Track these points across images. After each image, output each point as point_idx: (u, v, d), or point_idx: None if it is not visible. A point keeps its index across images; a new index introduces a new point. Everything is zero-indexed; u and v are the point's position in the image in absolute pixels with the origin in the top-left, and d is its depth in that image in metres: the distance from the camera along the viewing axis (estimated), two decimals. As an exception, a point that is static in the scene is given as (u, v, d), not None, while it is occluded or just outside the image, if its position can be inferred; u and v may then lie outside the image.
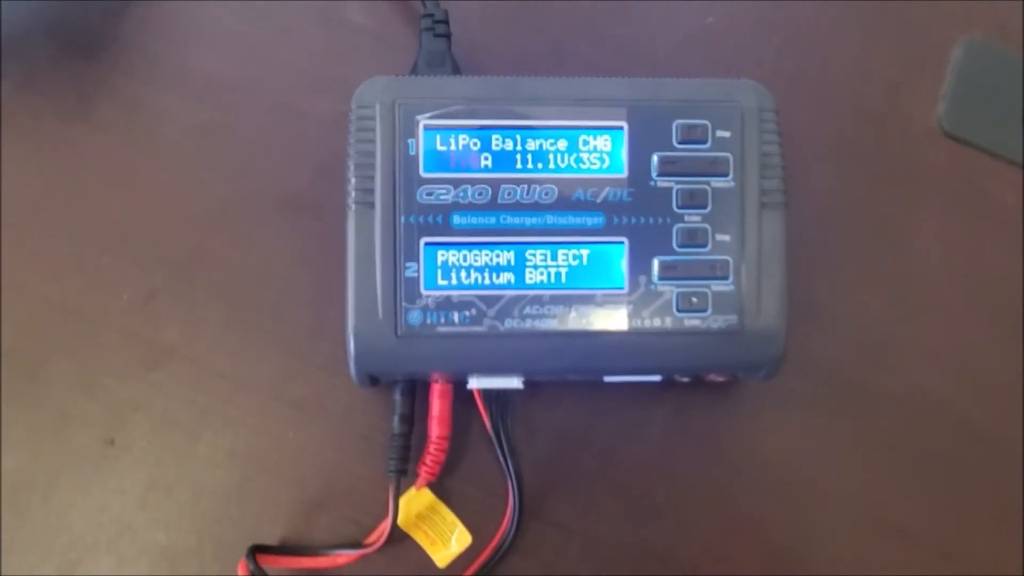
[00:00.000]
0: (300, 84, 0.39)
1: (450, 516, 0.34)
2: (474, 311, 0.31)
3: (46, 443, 0.35)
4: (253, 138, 0.38)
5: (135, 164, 0.38)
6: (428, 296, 0.31)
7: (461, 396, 0.34)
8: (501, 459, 0.34)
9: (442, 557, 0.34)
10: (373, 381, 0.33)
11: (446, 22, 0.36)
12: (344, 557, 0.33)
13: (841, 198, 0.39)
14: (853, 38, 0.41)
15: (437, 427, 0.34)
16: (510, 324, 0.31)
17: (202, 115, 0.38)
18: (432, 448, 0.34)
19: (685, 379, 0.35)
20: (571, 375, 0.34)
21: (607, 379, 0.35)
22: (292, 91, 0.39)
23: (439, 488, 0.35)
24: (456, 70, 0.35)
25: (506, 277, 0.31)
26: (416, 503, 0.34)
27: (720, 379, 0.35)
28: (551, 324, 0.31)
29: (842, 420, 0.37)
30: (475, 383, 0.33)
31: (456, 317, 0.31)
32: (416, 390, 0.34)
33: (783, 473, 0.36)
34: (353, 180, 0.31)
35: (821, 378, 0.37)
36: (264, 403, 0.35)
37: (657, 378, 0.35)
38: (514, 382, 0.33)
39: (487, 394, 0.35)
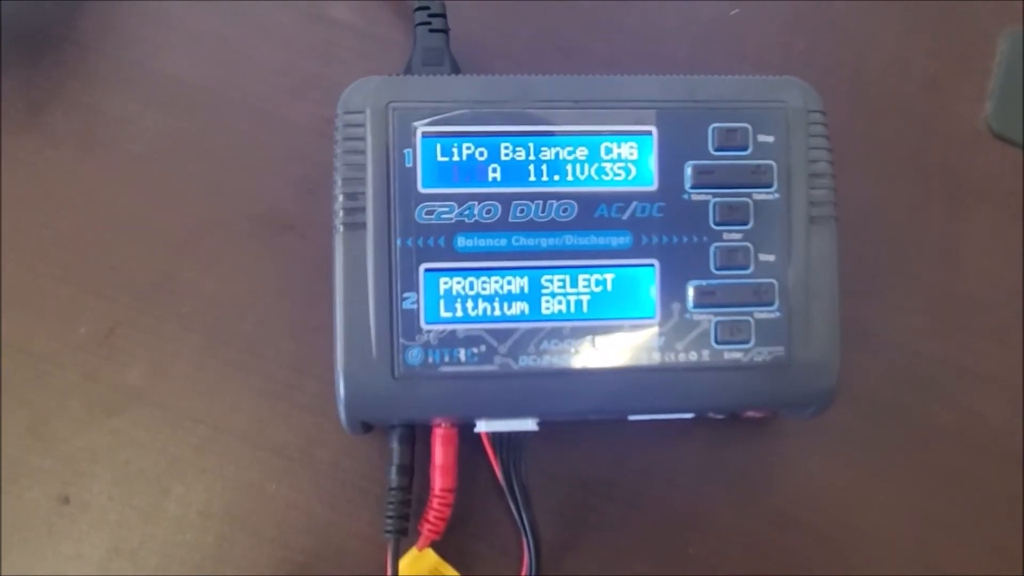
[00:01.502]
0: (279, 88, 0.34)
1: (457, 578, 0.30)
2: (483, 347, 0.27)
3: (-9, 503, 0.30)
4: (227, 149, 0.34)
5: (93, 181, 0.33)
6: (429, 331, 0.27)
7: (467, 440, 0.30)
8: (514, 511, 0.30)
9: (449, 627, 0.30)
10: (366, 428, 0.29)
11: (443, 15, 0.32)
12: (337, 630, 0.29)
13: (880, 208, 0.35)
14: (889, 31, 0.37)
15: (441, 478, 0.29)
16: (525, 362, 0.27)
17: (169, 124, 0.34)
18: (435, 503, 0.29)
19: (719, 415, 0.31)
20: (594, 416, 0.30)
21: (632, 417, 0.31)
22: (270, 96, 0.34)
23: (444, 547, 0.30)
24: (456, 70, 0.31)
25: (519, 307, 0.27)
26: (418, 565, 0.30)
27: (759, 415, 0.31)
28: (572, 361, 0.27)
29: (893, 456, 0.33)
30: (484, 426, 0.29)
31: (462, 355, 0.27)
32: (416, 436, 0.30)
33: (828, 519, 0.32)
34: (341, 198, 0.27)
35: (868, 410, 0.33)
36: (242, 451, 0.31)
37: (689, 415, 0.31)
38: (528, 424, 0.29)
39: (497, 438, 0.30)
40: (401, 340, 0.27)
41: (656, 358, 0.27)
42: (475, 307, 0.27)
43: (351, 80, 0.28)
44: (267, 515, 0.31)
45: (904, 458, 0.33)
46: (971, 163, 0.36)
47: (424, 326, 0.27)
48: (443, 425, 0.30)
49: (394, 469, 0.29)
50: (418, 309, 0.27)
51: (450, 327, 0.27)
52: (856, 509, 0.32)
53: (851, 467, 0.33)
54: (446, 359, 0.27)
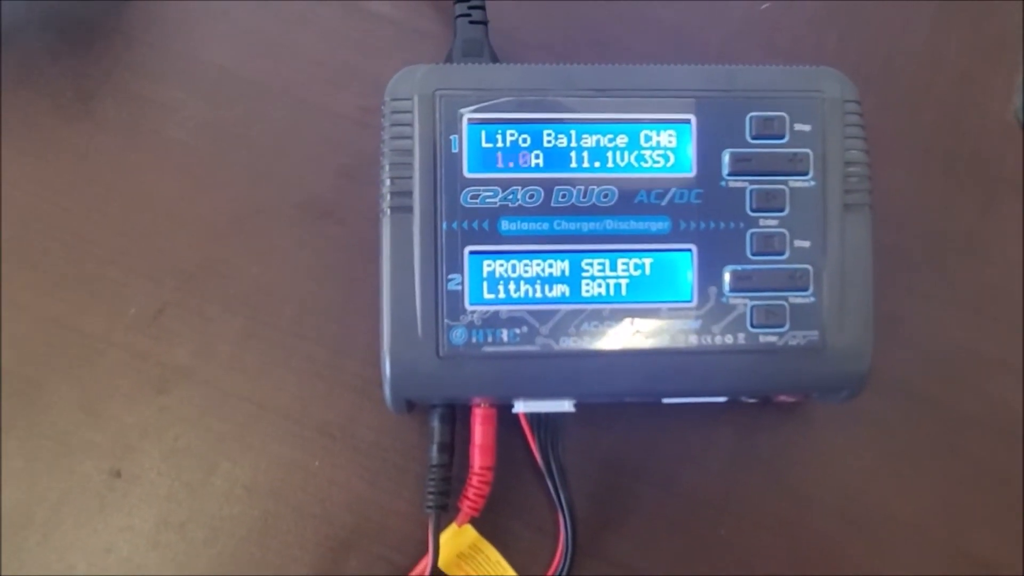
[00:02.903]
0: (319, 79, 0.35)
1: (495, 555, 0.31)
2: (525, 328, 0.28)
3: (46, 475, 0.31)
4: (269, 138, 0.35)
5: (141, 167, 0.34)
6: (473, 312, 0.27)
7: (506, 421, 0.31)
8: (552, 490, 0.31)
9: (487, 601, 0.31)
10: (410, 406, 0.29)
11: (483, 7, 0.33)
12: (378, 602, 0.30)
13: (912, 199, 0.36)
14: (921, 24, 0.38)
15: (480, 456, 0.30)
16: (565, 343, 0.28)
17: (213, 113, 0.35)
18: (475, 480, 0.30)
19: (752, 399, 0.32)
20: (631, 398, 0.30)
21: (666, 400, 0.31)
22: (311, 86, 0.35)
23: (483, 524, 0.31)
24: (495, 61, 0.32)
25: (560, 290, 0.28)
26: (458, 541, 0.31)
27: (791, 399, 0.32)
28: (611, 342, 0.28)
29: (921, 443, 0.33)
30: (522, 407, 0.30)
31: (505, 335, 0.28)
32: (456, 416, 0.31)
33: (858, 502, 0.33)
34: (388, 182, 0.28)
35: (897, 397, 0.34)
36: (286, 429, 0.32)
37: (721, 399, 0.31)
38: (565, 405, 0.30)
39: (535, 419, 0.31)
40: (446, 320, 0.27)
41: (693, 341, 0.28)
42: (517, 289, 0.28)
43: (389, 71, 0.29)
44: (310, 491, 0.32)
45: (933, 446, 0.33)
46: (1001, 156, 0.37)
47: (468, 307, 0.27)
48: (483, 405, 0.30)
49: (435, 447, 0.30)
50: (463, 290, 0.27)
51: (493, 308, 0.28)
52: (885, 495, 0.33)
53: (881, 454, 0.33)
54: (489, 339, 0.27)
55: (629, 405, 0.32)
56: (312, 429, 0.32)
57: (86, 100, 0.35)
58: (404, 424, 0.32)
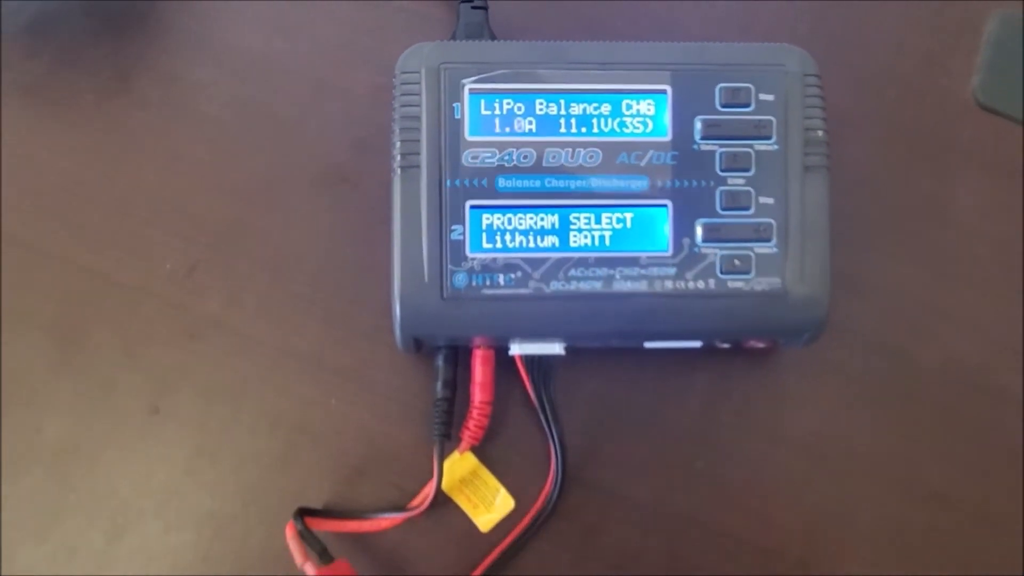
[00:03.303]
0: (337, 60, 0.39)
1: (493, 481, 0.35)
2: (519, 273, 0.31)
3: (92, 411, 0.35)
4: (291, 112, 0.38)
5: (175, 138, 0.38)
6: (474, 259, 0.31)
7: (503, 363, 0.35)
8: (544, 423, 0.34)
9: (485, 521, 0.34)
10: (417, 345, 0.33)
11: (483, -7, 0.36)
12: (388, 520, 0.33)
13: (877, 169, 0.39)
14: (888, 11, 0.41)
15: (480, 392, 0.34)
16: (555, 286, 0.31)
17: (240, 90, 0.39)
18: (475, 413, 0.34)
19: (725, 345, 0.35)
20: (614, 340, 0.34)
21: (647, 345, 0.35)
22: (329, 67, 0.39)
23: (482, 453, 0.35)
24: (493, 40, 0.36)
25: (551, 240, 0.31)
26: (459, 467, 0.34)
27: (760, 345, 0.35)
28: (596, 286, 0.31)
29: (880, 388, 0.37)
30: (517, 349, 0.34)
31: (501, 279, 0.31)
32: (459, 357, 0.34)
33: (822, 440, 0.36)
34: (399, 144, 0.31)
35: (859, 347, 0.37)
36: (306, 371, 0.36)
37: (697, 344, 0.35)
38: (556, 348, 0.33)
39: (529, 360, 0.35)
40: (449, 266, 0.31)
41: (669, 286, 0.31)
42: (513, 239, 0.31)
43: (399, 53, 0.33)
44: (327, 426, 0.35)
45: (892, 391, 0.37)
46: (959, 131, 0.40)
47: (469, 254, 0.31)
48: (482, 346, 0.34)
49: (440, 383, 0.34)
50: (464, 240, 0.31)
51: (491, 256, 0.31)
52: (847, 434, 0.36)
53: (844, 398, 0.37)
54: (487, 283, 0.31)
55: (614, 350, 0.36)
56: (329, 371, 0.36)
57: (124, 79, 0.39)
58: (411, 367, 0.36)
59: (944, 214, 0.39)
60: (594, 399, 0.36)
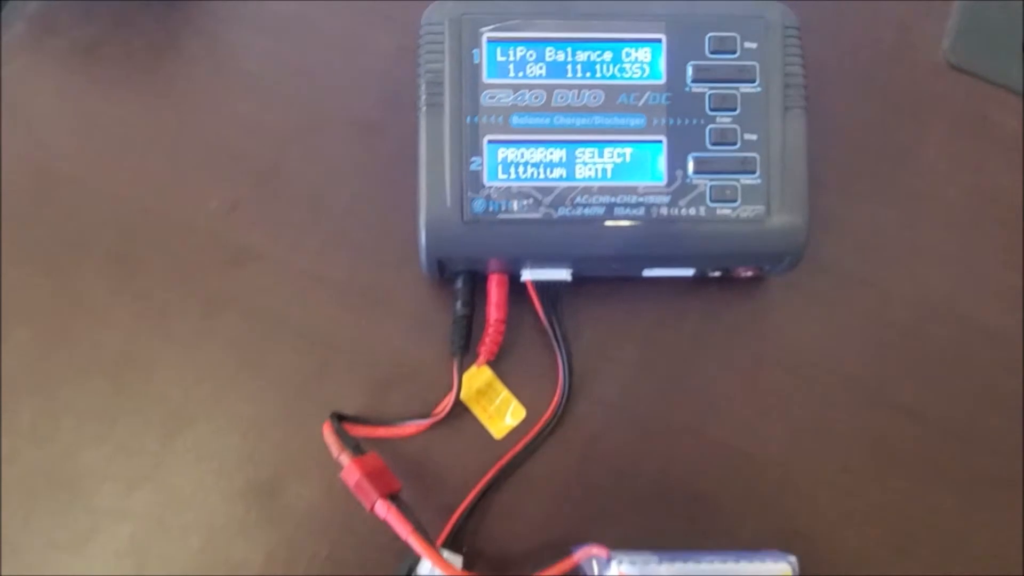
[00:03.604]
0: (366, 22, 0.43)
1: (506, 393, 0.38)
2: (531, 200, 0.35)
3: (146, 329, 0.39)
4: (324, 69, 0.43)
5: (219, 92, 0.42)
6: (490, 187, 0.35)
7: (515, 292, 0.38)
8: (553, 341, 0.38)
9: (498, 429, 0.38)
10: (440, 269, 0.37)
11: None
12: (413, 427, 0.37)
13: (854, 122, 0.43)
14: (865, -20, 0.45)
15: (495, 311, 0.38)
16: (562, 212, 0.35)
17: (277, 48, 0.43)
18: (491, 330, 0.38)
19: (716, 274, 0.39)
20: (615, 264, 0.38)
21: (645, 274, 0.39)
22: (359, 28, 0.43)
23: (496, 369, 0.39)
24: None
25: (559, 172, 0.35)
26: (476, 379, 0.38)
27: (748, 274, 0.39)
28: (599, 212, 0.35)
29: (858, 315, 0.41)
30: (528, 275, 0.38)
31: (515, 205, 0.35)
32: (476, 282, 0.38)
33: (804, 360, 0.40)
34: (424, 86, 0.35)
35: (838, 279, 0.41)
36: (339, 296, 0.40)
37: (690, 273, 0.39)
38: (563, 274, 0.37)
39: (539, 287, 0.39)
40: (468, 193, 0.35)
41: (664, 212, 0.35)
42: (525, 171, 0.35)
43: (421, 14, 0.36)
44: (358, 343, 0.39)
45: (868, 317, 0.41)
46: (931, 89, 0.44)
47: (486, 183, 0.35)
48: (497, 271, 0.38)
49: (459, 303, 0.38)
50: (482, 170, 0.35)
51: (506, 184, 0.35)
52: (827, 355, 0.40)
53: (824, 323, 0.40)
54: (502, 208, 0.35)
55: (615, 280, 0.40)
56: (359, 296, 0.40)
57: (174, 39, 0.43)
58: (434, 292, 0.40)
59: (916, 162, 0.43)
60: (597, 323, 0.40)
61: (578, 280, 0.38)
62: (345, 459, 0.34)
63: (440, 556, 0.32)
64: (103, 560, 0.36)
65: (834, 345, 0.40)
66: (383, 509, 0.33)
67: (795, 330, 0.40)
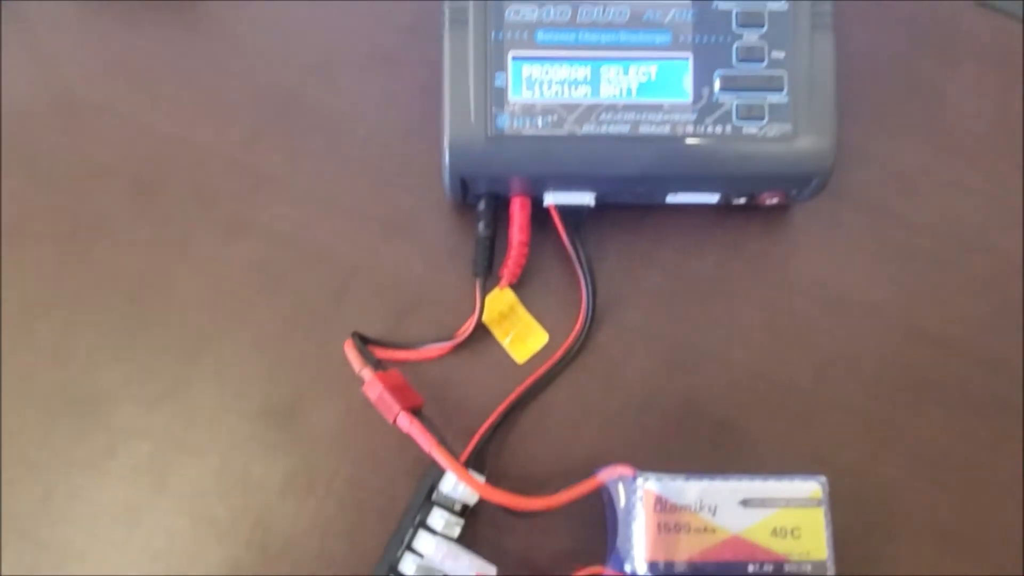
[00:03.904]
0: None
1: (528, 317, 0.38)
2: (555, 117, 0.35)
3: (166, 251, 0.39)
4: (344, 1, 0.42)
5: (241, 23, 0.42)
6: (515, 103, 0.35)
7: (539, 220, 0.38)
8: (576, 263, 0.38)
9: (521, 352, 0.38)
10: (463, 189, 0.37)
11: None
12: (435, 349, 0.37)
13: (883, 57, 0.43)
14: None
15: (518, 234, 0.37)
16: (587, 129, 0.35)
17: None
18: (514, 252, 0.37)
19: (741, 201, 0.38)
20: (639, 186, 0.37)
21: (669, 200, 0.38)
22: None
23: (519, 295, 0.38)
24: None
25: (583, 90, 0.35)
26: (499, 302, 0.38)
27: (773, 201, 0.38)
28: (623, 130, 0.35)
29: (885, 245, 0.40)
30: (551, 199, 0.37)
31: (539, 122, 0.35)
32: (499, 206, 0.38)
33: (831, 290, 0.39)
34: (448, 2, 0.35)
35: (866, 210, 0.40)
36: (359, 222, 0.39)
37: (715, 199, 0.38)
38: (586, 198, 0.37)
39: (563, 211, 0.38)
40: (493, 109, 0.35)
41: (690, 130, 0.35)
42: (549, 87, 0.35)
43: None
44: (379, 268, 0.39)
45: (893, 247, 0.40)
46: (959, 25, 0.44)
47: (510, 99, 0.35)
48: (520, 194, 0.37)
49: (482, 224, 0.37)
50: (506, 86, 0.35)
51: (530, 101, 0.35)
52: (852, 284, 0.39)
53: (849, 252, 0.40)
54: (527, 124, 0.35)
55: (639, 207, 0.39)
56: (380, 222, 0.39)
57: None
58: (456, 219, 0.39)
59: (942, 97, 0.42)
60: (621, 251, 0.39)
61: (601, 207, 0.38)
62: (367, 373, 0.34)
63: (464, 469, 0.32)
64: (121, 478, 0.36)
65: (861, 275, 0.40)
66: (406, 422, 0.33)
67: (821, 260, 0.40)
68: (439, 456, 0.32)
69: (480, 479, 0.34)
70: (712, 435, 0.37)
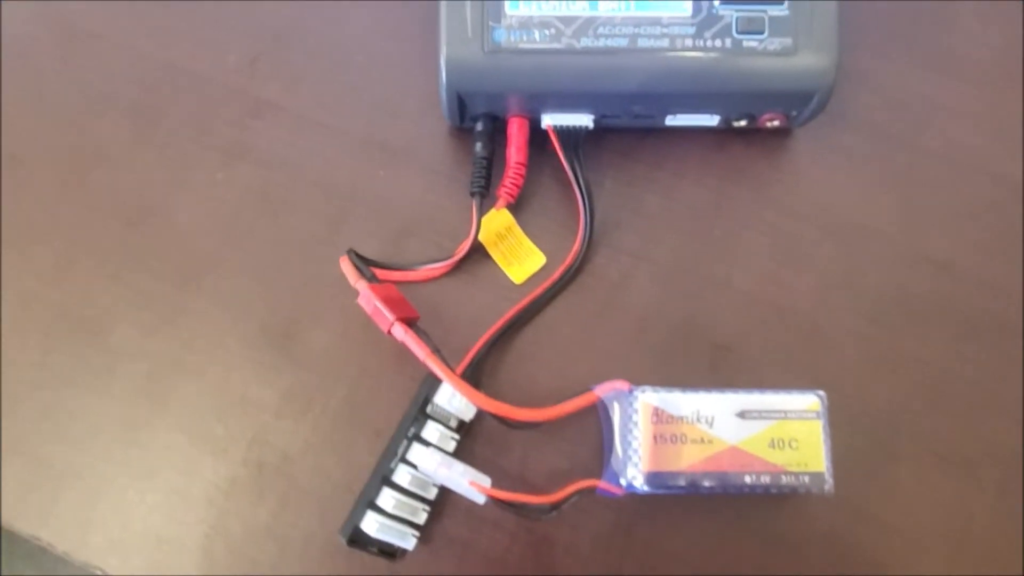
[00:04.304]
0: None
1: (526, 240, 0.38)
2: (553, 30, 0.34)
3: (165, 178, 0.39)
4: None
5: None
6: (512, 16, 0.34)
7: (537, 144, 0.38)
8: (574, 184, 0.37)
9: (518, 273, 0.37)
10: (461, 110, 0.36)
11: None
12: (432, 270, 0.37)
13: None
14: None
15: (516, 154, 0.37)
16: (585, 42, 0.34)
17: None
18: (511, 172, 0.37)
19: (741, 123, 0.38)
20: (638, 106, 0.37)
21: (669, 122, 0.38)
22: None
23: (517, 218, 0.38)
24: None
25: (581, 3, 0.34)
26: (496, 222, 0.37)
27: (774, 123, 0.38)
28: (622, 43, 0.34)
29: (887, 170, 0.39)
30: (549, 120, 0.37)
31: (537, 35, 0.34)
32: (496, 127, 0.38)
33: (833, 214, 0.39)
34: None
35: (868, 134, 0.40)
36: (357, 147, 0.39)
37: (715, 121, 0.38)
38: (585, 119, 0.37)
39: (561, 134, 0.38)
40: (490, 23, 0.34)
41: (689, 43, 0.34)
42: (547, 0, 0.35)
43: None
44: (377, 193, 0.39)
45: (895, 172, 0.39)
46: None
47: (508, 12, 0.34)
48: (517, 114, 0.37)
49: (479, 144, 0.37)
50: (503, 0, 0.34)
51: (527, 14, 0.34)
52: (855, 209, 0.39)
53: (853, 178, 0.39)
54: (524, 38, 0.34)
55: (638, 130, 0.39)
56: (377, 147, 0.39)
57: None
58: (453, 143, 0.39)
59: (949, 24, 0.42)
60: (619, 175, 0.39)
61: (600, 130, 0.37)
62: (362, 285, 0.34)
63: (458, 377, 0.32)
64: (120, 398, 0.36)
65: (862, 199, 0.39)
66: (400, 332, 0.32)
67: (823, 185, 0.39)
68: (433, 365, 0.32)
69: (476, 394, 0.34)
70: (711, 358, 0.37)
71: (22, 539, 0.34)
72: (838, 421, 0.34)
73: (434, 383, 0.34)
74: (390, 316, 0.32)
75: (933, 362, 0.37)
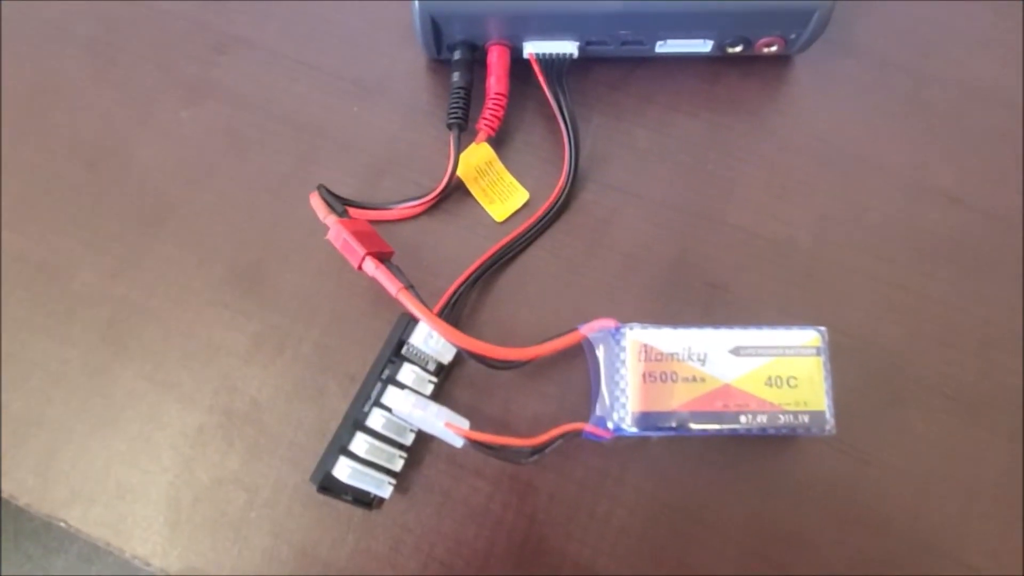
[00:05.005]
0: None
1: (508, 175, 0.36)
2: (532, -54, 0.32)
3: (126, 118, 0.37)
4: None
5: None
6: (487, -69, 0.32)
7: (520, 76, 0.36)
8: (558, 116, 0.35)
9: (500, 210, 0.35)
10: (437, 40, 0.34)
11: None
12: (409, 208, 0.35)
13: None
14: None
15: (496, 84, 0.35)
16: (566, -41, 0.32)
17: None
18: (491, 103, 0.35)
19: (736, 49, 0.36)
20: (625, 30, 0.34)
21: (659, 50, 0.36)
22: None
23: (498, 154, 0.36)
24: None
25: (562, -82, 0.32)
26: (476, 156, 0.35)
27: (772, 49, 0.36)
28: (606, -40, 0.32)
29: (892, 99, 0.37)
30: (531, 48, 0.35)
31: (515, -49, 0.32)
32: (475, 58, 0.36)
33: (835, 147, 0.37)
34: None
35: (872, 62, 0.38)
36: (329, 82, 0.37)
37: (708, 48, 0.36)
38: (569, 47, 0.35)
39: (544, 63, 0.36)
40: (464, -61, 0.32)
41: (677, -41, 0.32)
42: (525, -85, 0.32)
43: None
44: (350, 131, 0.36)
45: (901, 101, 0.37)
46: None
47: (483, -72, 0.32)
48: (497, 43, 0.35)
49: (457, 74, 0.35)
50: (478, -85, 0.32)
51: (504, -71, 0.32)
52: (857, 141, 0.37)
53: (855, 107, 0.37)
54: (500, -45, 0.32)
55: (627, 61, 0.37)
56: (351, 82, 0.37)
57: None
58: (430, 79, 0.37)
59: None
60: (606, 108, 0.37)
61: (586, 60, 0.35)
62: (332, 220, 0.32)
63: (434, 314, 0.30)
64: (81, 344, 0.34)
65: (866, 130, 0.37)
66: (371, 266, 0.30)
67: (823, 115, 0.37)
68: (406, 300, 0.30)
69: (455, 335, 0.32)
70: (705, 297, 0.35)
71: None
72: (841, 362, 0.32)
73: (410, 323, 0.32)
74: (360, 250, 0.30)
75: (940, 299, 0.35)
